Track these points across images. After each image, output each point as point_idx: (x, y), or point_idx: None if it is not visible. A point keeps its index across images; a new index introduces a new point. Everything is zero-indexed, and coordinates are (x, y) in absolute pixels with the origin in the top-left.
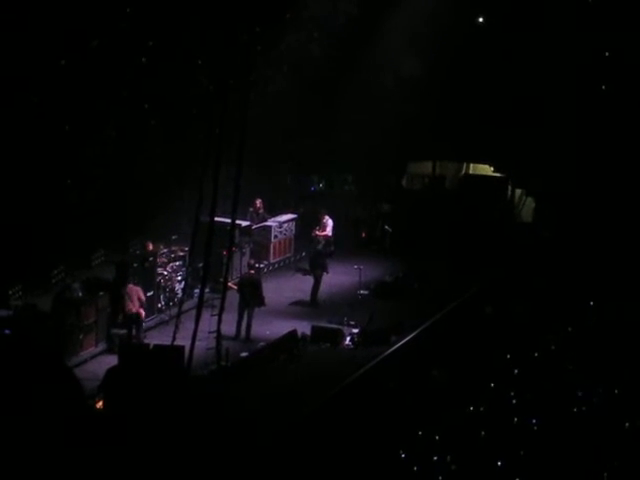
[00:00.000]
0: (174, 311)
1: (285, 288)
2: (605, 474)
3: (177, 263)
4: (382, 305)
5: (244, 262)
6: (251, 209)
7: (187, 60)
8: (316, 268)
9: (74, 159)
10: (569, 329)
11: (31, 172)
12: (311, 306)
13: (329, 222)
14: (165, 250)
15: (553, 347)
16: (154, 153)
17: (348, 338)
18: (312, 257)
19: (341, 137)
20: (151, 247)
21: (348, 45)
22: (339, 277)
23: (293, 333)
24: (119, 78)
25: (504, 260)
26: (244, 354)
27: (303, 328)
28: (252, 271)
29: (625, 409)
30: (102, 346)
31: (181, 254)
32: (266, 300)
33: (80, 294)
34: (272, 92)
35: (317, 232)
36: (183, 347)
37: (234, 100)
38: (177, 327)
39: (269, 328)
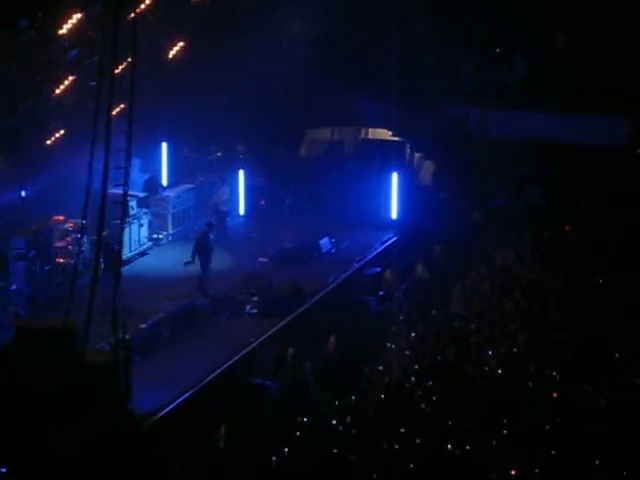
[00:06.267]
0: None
1: (183, 259)
2: None
3: (76, 236)
4: (282, 272)
5: (142, 234)
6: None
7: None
8: (202, 253)
9: None
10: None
11: None
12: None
13: (226, 191)
14: (62, 223)
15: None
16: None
17: (248, 307)
18: (197, 241)
19: (235, 105)
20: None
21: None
22: (238, 245)
23: (192, 304)
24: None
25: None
26: (143, 326)
27: (201, 299)
28: None
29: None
30: None
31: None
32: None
33: None
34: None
35: (216, 201)
36: (75, 322)
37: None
38: (70, 301)
39: (166, 299)
